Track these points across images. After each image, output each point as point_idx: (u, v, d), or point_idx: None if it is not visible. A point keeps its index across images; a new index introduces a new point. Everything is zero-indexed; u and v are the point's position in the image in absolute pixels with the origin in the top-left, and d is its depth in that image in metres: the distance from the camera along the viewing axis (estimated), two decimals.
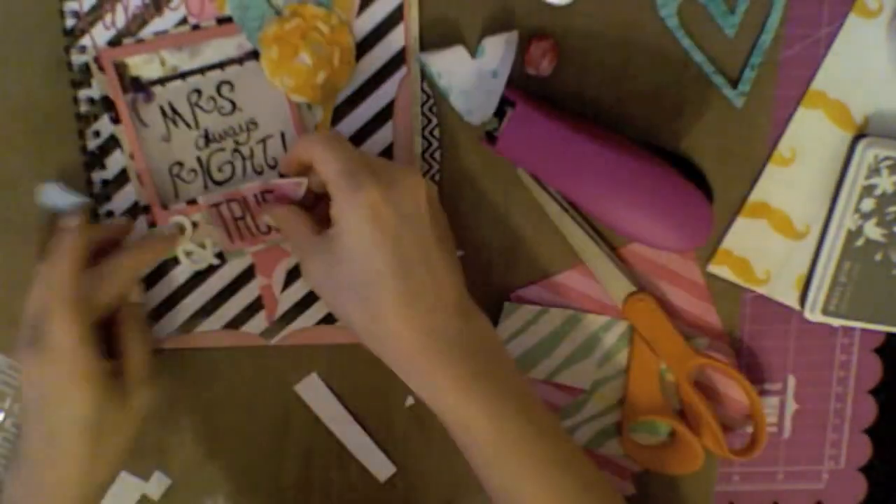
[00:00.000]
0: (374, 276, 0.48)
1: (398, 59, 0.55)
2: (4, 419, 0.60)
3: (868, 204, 0.55)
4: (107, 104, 0.55)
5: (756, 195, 0.57)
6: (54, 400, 0.50)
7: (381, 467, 0.61)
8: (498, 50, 0.53)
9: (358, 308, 0.48)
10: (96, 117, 0.55)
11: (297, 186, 0.53)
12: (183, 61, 0.55)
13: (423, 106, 0.55)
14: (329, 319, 0.58)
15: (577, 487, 0.50)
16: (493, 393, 0.49)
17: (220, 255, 0.57)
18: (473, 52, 0.54)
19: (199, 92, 0.56)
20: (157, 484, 0.61)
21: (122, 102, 0.55)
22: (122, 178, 0.56)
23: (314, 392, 0.60)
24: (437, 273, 0.49)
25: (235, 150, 0.56)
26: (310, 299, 0.58)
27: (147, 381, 0.55)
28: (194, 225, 0.57)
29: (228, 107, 0.56)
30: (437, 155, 0.56)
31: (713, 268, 0.58)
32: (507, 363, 0.51)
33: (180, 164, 0.56)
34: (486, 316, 0.52)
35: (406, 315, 0.48)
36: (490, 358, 0.50)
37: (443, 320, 0.49)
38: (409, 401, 0.60)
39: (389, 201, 0.48)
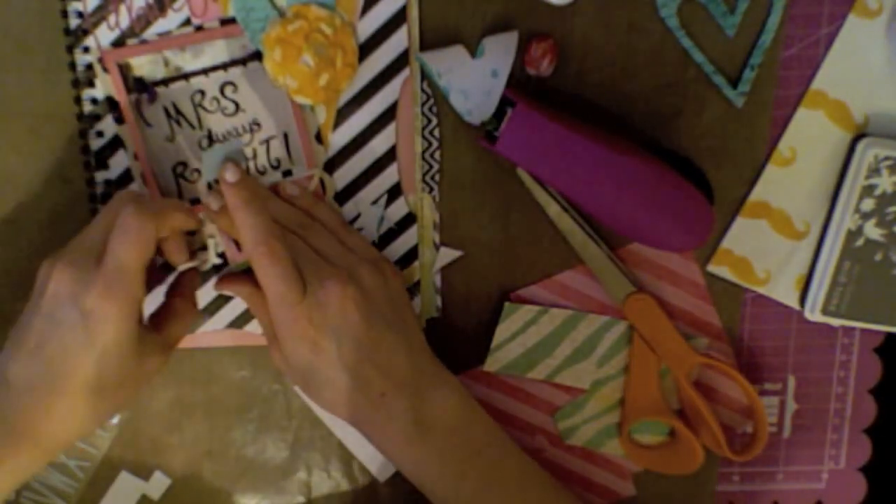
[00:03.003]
0: (316, 376, 0.51)
1: (401, 61, 0.55)
2: None
3: (868, 204, 0.55)
4: (110, 104, 0.55)
5: (756, 195, 0.57)
6: (95, 317, 0.47)
7: (381, 467, 0.61)
8: (498, 50, 0.54)
9: (310, 392, 0.53)
10: (100, 117, 0.56)
11: (305, 181, 0.53)
12: (186, 62, 0.55)
13: (423, 106, 0.56)
14: None
15: None
16: (451, 471, 0.52)
17: (222, 255, 0.58)
18: (473, 52, 0.54)
19: (202, 93, 0.56)
20: (157, 484, 0.61)
21: (126, 103, 0.55)
22: (126, 178, 0.56)
23: None
24: (382, 361, 0.51)
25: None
26: None
27: (172, 349, 0.54)
28: (195, 234, 0.57)
29: (232, 108, 0.56)
30: (437, 155, 0.56)
31: (713, 268, 0.58)
32: (475, 432, 0.53)
33: (184, 164, 0.57)
34: (453, 385, 0.54)
35: (353, 405, 0.51)
36: (449, 434, 0.52)
37: (392, 402, 0.51)
38: None
39: (315, 321, 0.50)
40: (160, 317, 0.54)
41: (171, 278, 0.57)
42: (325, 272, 0.51)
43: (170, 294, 0.56)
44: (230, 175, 0.52)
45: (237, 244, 0.57)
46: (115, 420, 0.60)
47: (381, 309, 0.52)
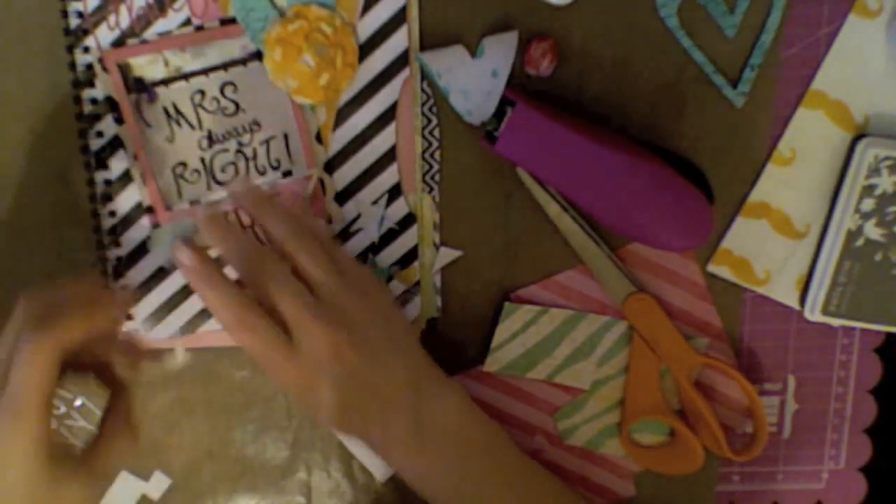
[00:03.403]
0: (314, 407, 0.51)
1: (401, 61, 0.55)
2: None
3: (868, 204, 0.55)
4: (110, 105, 0.55)
5: (756, 195, 0.57)
6: None
7: (380, 467, 0.61)
8: (498, 50, 0.54)
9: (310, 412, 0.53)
10: (99, 118, 0.56)
11: (305, 181, 0.53)
12: (186, 62, 0.55)
13: (423, 106, 0.56)
14: None
15: None
16: (454, 475, 0.52)
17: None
18: (473, 52, 0.54)
19: (202, 93, 0.56)
20: (157, 484, 0.61)
21: (126, 103, 0.55)
22: (126, 178, 0.56)
23: None
24: (380, 385, 0.51)
25: (238, 151, 0.57)
26: None
27: (101, 480, 0.50)
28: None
29: (232, 108, 0.56)
30: (437, 155, 0.56)
31: (713, 268, 0.58)
32: (475, 433, 0.53)
33: (184, 164, 0.57)
34: (452, 390, 0.53)
35: (353, 426, 0.51)
36: (450, 438, 0.52)
37: (392, 416, 0.51)
38: None
39: (308, 370, 0.50)
40: (93, 442, 0.50)
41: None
42: (311, 320, 0.48)
43: (105, 412, 0.51)
44: (185, 258, 0.49)
45: None
46: None
47: (373, 337, 0.51)
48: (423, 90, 0.56)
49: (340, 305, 0.50)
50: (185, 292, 0.58)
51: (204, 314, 0.58)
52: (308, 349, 0.49)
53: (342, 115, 0.56)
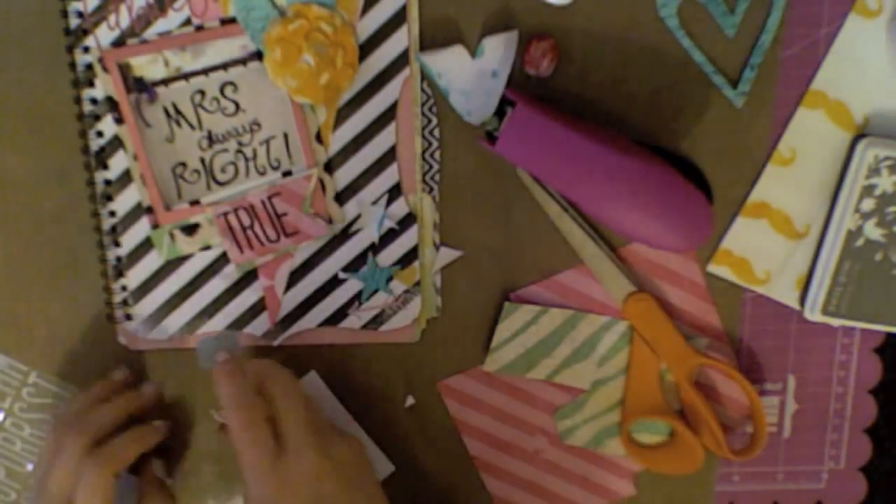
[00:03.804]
0: None
1: (401, 61, 0.55)
2: (4, 419, 0.61)
3: (868, 204, 0.55)
4: (110, 104, 0.55)
5: (756, 195, 0.57)
6: None
7: (379, 466, 0.61)
8: (498, 50, 0.54)
9: None
10: (99, 118, 0.56)
11: (305, 182, 0.53)
12: (186, 62, 0.55)
13: (423, 106, 0.56)
14: (331, 321, 0.58)
15: None
16: None
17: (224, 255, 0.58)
18: (473, 52, 0.54)
19: (202, 93, 0.56)
20: None
21: (125, 103, 0.55)
22: (126, 178, 0.56)
23: (313, 390, 0.60)
24: None
25: (238, 151, 0.57)
26: (312, 301, 0.58)
27: None
28: (198, 226, 0.57)
29: (232, 108, 0.56)
30: (437, 155, 0.56)
31: (713, 268, 0.58)
32: None
33: (183, 164, 0.57)
34: None
35: None
36: None
37: None
38: (409, 401, 0.60)
39: (289, 486, 0.50)
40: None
41: None
42: (303, 441, 0.51)
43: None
44: (220, 357, 0.54)
45: (238, 245, 0.57)
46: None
47: (352, 480, 0.52)
48: (423, 90, 0.56)
49: (331, 444, 0.52)
50: (184, 293, 0.58)
51: (205, 315, 0.58)
52: (296, 467, 0.50)
53: (342, 114, 0.56)
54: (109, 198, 0.56)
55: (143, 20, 0.55)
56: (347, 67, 0.55)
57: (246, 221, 0.57)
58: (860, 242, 0.55)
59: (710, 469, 0.60)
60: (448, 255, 0.58)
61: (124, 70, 0.55)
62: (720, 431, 0.56)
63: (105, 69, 0.55)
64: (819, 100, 0.56)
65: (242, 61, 0.55)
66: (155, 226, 0.57)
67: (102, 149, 0.56)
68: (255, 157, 0.57)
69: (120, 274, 0.57)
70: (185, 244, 0.57)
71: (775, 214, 0.57)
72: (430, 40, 0.55)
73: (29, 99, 0.56)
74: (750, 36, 0.55)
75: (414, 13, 0.55)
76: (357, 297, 0.58)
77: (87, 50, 0.55)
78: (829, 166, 0.56)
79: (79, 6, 0.54)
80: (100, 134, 0.56)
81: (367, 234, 0.57)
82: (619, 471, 0.61)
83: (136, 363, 0.59)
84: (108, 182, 0.56)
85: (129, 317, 0.58)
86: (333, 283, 0.58)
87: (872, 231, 0.55)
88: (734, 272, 0.58)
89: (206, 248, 0.57)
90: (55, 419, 0.57)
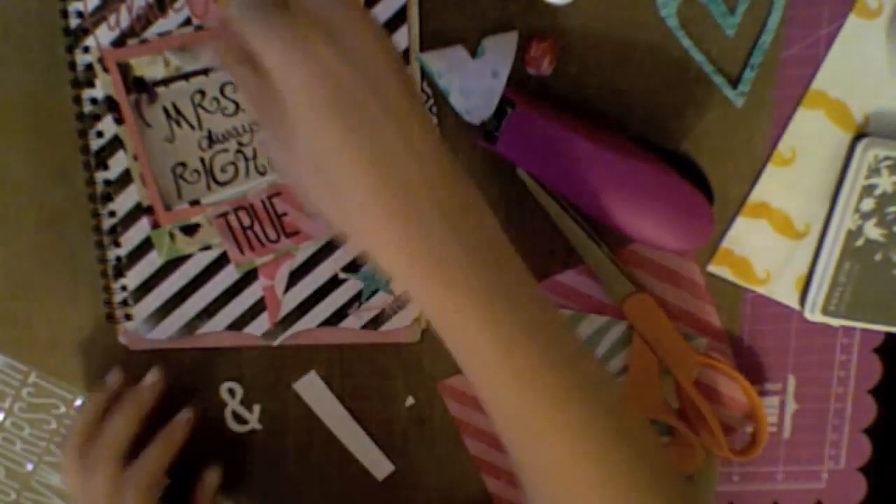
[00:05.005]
0: (328, 141, 0.39)
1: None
2: (4, 419, 0.61)
3: (868, 204, 0.55)
4: (110, 104, 0.55)
5: (756, 195, 0.57)
6: None
7: (379, 466, 0.61)
8: (498, 50, 0.54)
9: (316, 182, 0.40)
10: (99, 118, 0.56)
11: None
12: (186, 62, 0.55)
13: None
14: (331, 321, 0.58)
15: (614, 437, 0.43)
16: (499, 306, 0.40)
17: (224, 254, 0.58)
18: (473, 52, 0.54)
19: (202, 93, 0.56)
20: None
21: (125, 103, 0.55)
22: (125, 178, 0.56)
23: (313, 390, 0.60)
24: (403, 119, 0.39)
25: (238, 151, 0.57)
26: (312, 301, 0.58)
27: None
28: (198, 226, 0.57)
29: (232, 107, 0.56)
30: None
31: (713, 268, 0.58)
32: (517, 263, 0.43)
33: (183, 164, 0.57)
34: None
35: (372, 181, 0.39)
36: (492, 248, 0.41)
37: (418, 176, 0.39)
38: (409, 401, 0.60)
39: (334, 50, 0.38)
40: None
41: None
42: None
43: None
44: None
45: (238, 245, 0.57)
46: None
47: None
48: (423, 90, 0.56)
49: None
50: (185, 293, 0.58)
51: (205, 315, 0.58)
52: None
53: None
54: (109, 198, 0.56)
55: (143, 20, 0.55)
56: None
57: (246, 221, 0.57)
58: (860, 242, 0.55)
59: (710, 469, 0.60)
60: None
61: (124, 70, 0.55)
62: (720, 431, 0.56)
63: (105, 69, 0.55)
64: (819, 100, 0.56)
65: None
66: (155, 226, 0.57)
67: (102, 149, 0.56)
68: (255, 156, 0.57)
69: (120, 274, 0.57)
70: (185, 244, 0.57)
71: (775, 214, 0.57)
72: (430, 40, 0.55)
73: (29, 99, 0.56)
74: (750, 36, 0.55)
75: (414, 13, 0.55)
76: (357, 298, 0.58)
77: (87, 50, 0.55)
78: (829, 166, 0.56)
79: (79, 6, 0.54)
80: (100, 134, 0.56)
81: None
82: None
83: (136, 363, 0.59)
84: (108, 182, 0.56)
85: (129, 317, 0.58)
86: (333, 283, 0.58)
87: (872, 231, 0.55)
88: (734, 272, 0.58)
89: (207, 248, 0.57)
90: (67, 448, 0.56)
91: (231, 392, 0.60)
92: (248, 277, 0.58)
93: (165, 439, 0.57)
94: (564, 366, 0.42)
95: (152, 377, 0.58)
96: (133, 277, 0.58)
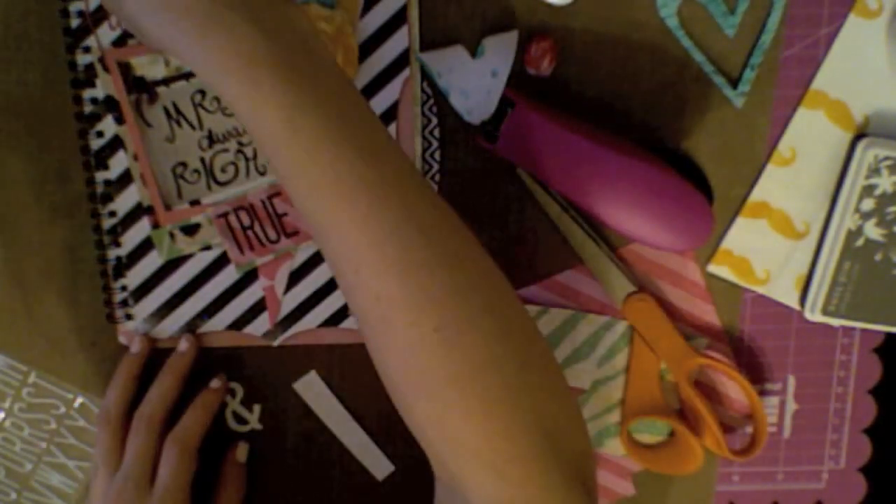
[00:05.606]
0: None
1: (402, 61, 0.55)
2: (4, 419, 0.61)
3: (868, 204, 0.55)
4: (110, 104, 0.55)
5: (756, 195, 0.57)
6: None
7: (379, 466, 0.61)
8: (498, 50, 0.54)
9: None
10: (100, 117, 0.56)
11: None
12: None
13: (423, 106, 0.56)
14: (332, 321, 0.58)
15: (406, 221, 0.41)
16: (292, 77, 0.40)
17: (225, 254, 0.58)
18: (473, 52, 0.54)
19: (202, 93, 0.56)
20: None
21: (126, 103, 0.55)
22: (126, 178, 0.56)
23: (312, 390, 0.60)
24: None
25: (239, 151, 0.57)
26: (312, 301, 0.58)
27: None
28: (198, 226, 0.57)
29: None
30: (437, 155, 0.56)
31: (713, 268, 0.58)
32: (319, 48, 0.42)
33: (184, 164, 0.57)
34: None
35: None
36: (282, 34, 0.41)
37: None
38: None
39: None
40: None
41: None
42: None
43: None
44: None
45: (239, 245, 0.57)
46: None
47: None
48: (423, 90, 0.56)
49: None
50: (185, 293, 0.58)
51: (206, 314, 0.58)
52: None
53: None
54: (109, 198, 0.56)
55: None
56: (348, 67, 0.55)
57: (246, 221, 0.57)
58: (860, 242, 0.55)
59: (710, 469, 0.60)
60: None
61: (125, 70, 0.55)
62: (720, 431, 0.56)
63: (105, 69, 0.55)
64: (819, 100, 0.56)
65: None
66: (155, 226, 0.57)
67: (103, 149, 0.56)
68: (255, 156, 0.57)
69: (120, 274, 0.57)
70: (185, 244, 0.57)
71: (775, 214, 0.57)
72: (430, 40, 0.55)
73: (29, 99, 0.56)
74: (750, 36, 0.55)
75: (414, 13, 0.55)
76: None
77: (87, 50, 0.55)
78: (829, 166, 0.56)
79: (79, 6, 0.54)
80: (100, 134, 0.56)
81: None
82: (619, 471, 0.61)
83: (136, 363, 0.59)
84: (108, 182, 0.56)
85: (129, 317, 0.58)
86: (334, 283, 0.58)
87: (872, 231, 0.55)
88: (734, 272, 0.58)
89: (207, 248, 0.57)
90: (109, 416, 0.57)
91: (231, 392, 0.60)
92: (249, 277, 0.58)
93: (201, 404, 0.58)
94: (349, 139, 0.41)
95: (185, 343, 0.58)
96: (133, 277, 0.58)
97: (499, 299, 0.42)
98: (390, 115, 0.56)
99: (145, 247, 0.57)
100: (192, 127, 0.56)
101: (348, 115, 0.41)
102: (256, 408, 0.60)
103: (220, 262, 0.58)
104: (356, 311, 0.42)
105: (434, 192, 0.43)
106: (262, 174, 0.57)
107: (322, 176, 0.40)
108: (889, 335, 0.59)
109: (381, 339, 0.42)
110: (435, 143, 0.56)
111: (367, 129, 0.42)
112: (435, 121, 0.56)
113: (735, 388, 0.59)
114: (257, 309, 0.58)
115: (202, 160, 0.57)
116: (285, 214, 0.57)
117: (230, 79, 0.40)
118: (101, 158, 0.56)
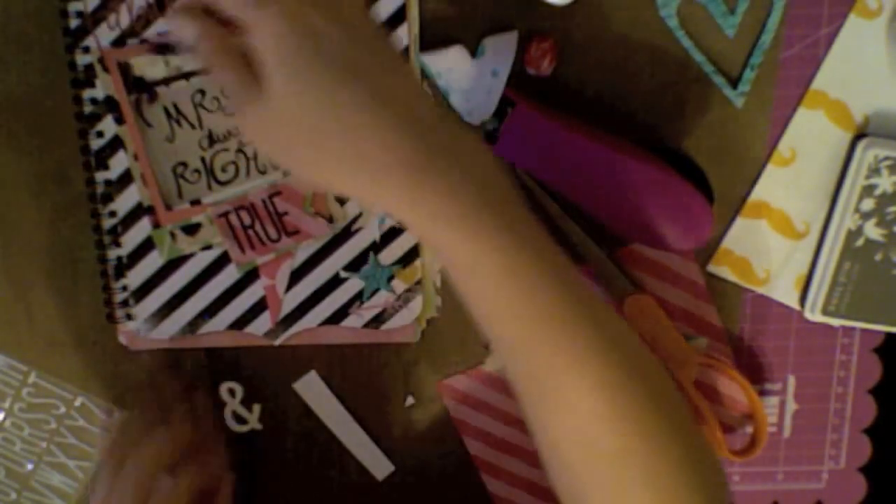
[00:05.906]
0: (329, 87, 0.40)
1: None
2: (4, 419, 0.61)
3: (868, 204, 0.55)
4: (110, 104, 0.55)
5: (756, 195, 0.57)
6: None
7: (379, 466, 0.61)
8: (498, 50, 0.54)
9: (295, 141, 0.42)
10: (100, 117, 0.55)
11: None
12: (187, 61, 0.55)
13: None
14: (333, 320, 0.59)
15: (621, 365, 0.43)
16: (499, 224, 0.41)
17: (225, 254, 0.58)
18: (473, 52, 0.54)
19: (202, 92, 0.56)
20: None
21: (126, 103, 0.55)
22: (126, 178, 0.56)
23: (312, 390, 0.60)
24: (397, 71, 0.42)
25: (239, 151, 0.57)
26: (313, 300, 0.58)
27: None
28: (199, 226, 0.57)
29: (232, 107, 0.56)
30: None
31: (713, 268, 0.58)
32: (515, 194, 0.43)
33: (184, 164, 0.57)
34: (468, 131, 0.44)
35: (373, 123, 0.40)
36: (489, 180, 0.42)
37: (418, 127, 0.41)
38: (409, 400, 0.60)
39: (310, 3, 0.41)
40: None
41: None
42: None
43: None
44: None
45: (239, 245, 0.57)
46: (116, 417, 0.60)
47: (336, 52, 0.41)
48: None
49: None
50: (186, 293, 0.58)
51: (207, 314, 0.58)
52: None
53: None
54: (110, 198, 0.56)
55: (143, 20, 0.55)
56: None
57: (247, 221, 0.57)
58: (860, 242, 0.55)
59: None
60: None
61: (124, 70, 0.55)
62: (720, 431, 0.56)
63: (105, 69, 0.55)
64: (819, 100, 0.56)
65: None
66: (156, 226, 0.57)
67: (103, 149, 0.56)
68: (255, 156, 0.57)
69: (120, 274, 0.57)
70: (186, 244, 0.57)
71: (775, 214, 0.57)
72: (430, 40, 0.55)
73: (29, 99, 0.56)
74: (750, 36, 0.55)
75: (414, 13, 0.55)
76: (358, 296, 0.58)
77: (87, 50, 0.55)
78: (828, 166, 0.56)
79: (79, 6, 0.54)
80: (100, 134, 0.56)
81: (369, 233, 0.57)
82: None
83: (137, 363, 0.59)
84: (108, 182, 0.56)
85: (129, 317, 0.58)
86: (335, 282, 0.58)
87: (872, 231, 0.55)
88: (734, 272, 0.58)
89: (207, 247, 0.57)
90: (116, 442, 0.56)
91: (231, 392, 0.60)
92: (250, 277, 0.58)
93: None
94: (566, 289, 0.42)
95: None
96: (134, 277, 0.58)
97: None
98: None
99: (146, 247, 0.57)
100: (193, 127, 0.56)
101: (547, 249, 0.43)
102: (256, 408, 0.60)
103: (221, 262, 0.58)
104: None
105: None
106: (263, 173, 0.57)
107: (539, 319, 0.42)
108: (889, 335, 0.59)
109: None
110: None
111: (565, 261, 0.43)
112: None
113: (735, 388, 0.59)
114: (258, 308, 0.58)
115: (202, 160, 0.57)
116: (286, 213, 0.57)
117: (447, 225, 0.41)
118: (102, 158, 0.56)
